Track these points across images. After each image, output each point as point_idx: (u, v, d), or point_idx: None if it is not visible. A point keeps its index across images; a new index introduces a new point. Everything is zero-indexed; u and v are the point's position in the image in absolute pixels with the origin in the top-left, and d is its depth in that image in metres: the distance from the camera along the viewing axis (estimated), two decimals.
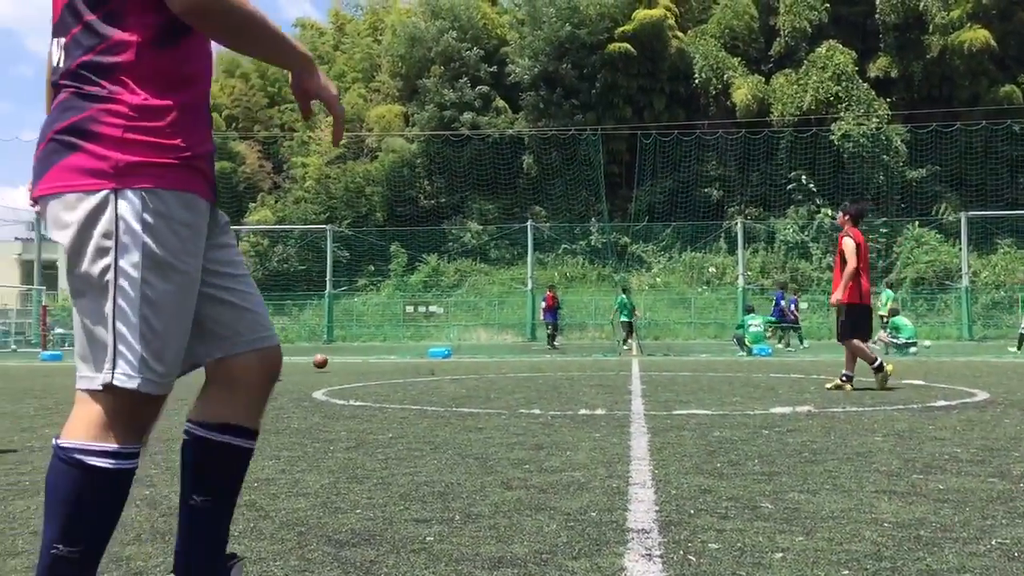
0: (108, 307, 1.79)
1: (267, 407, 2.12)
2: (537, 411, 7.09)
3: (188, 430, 2.04)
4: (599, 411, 7.00)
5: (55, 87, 1.87)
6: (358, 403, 8.02)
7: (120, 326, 1.79)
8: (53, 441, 1.83)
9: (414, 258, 41.59)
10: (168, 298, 1.82)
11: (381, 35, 49.79)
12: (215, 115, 46.54)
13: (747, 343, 19.18)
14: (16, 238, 43.42)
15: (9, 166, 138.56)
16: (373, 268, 41.73)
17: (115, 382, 1.79)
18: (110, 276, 1.79)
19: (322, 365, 14.25)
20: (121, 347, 1.80)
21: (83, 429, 1.80)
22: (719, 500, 3.49)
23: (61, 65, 1.85)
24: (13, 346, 32.38)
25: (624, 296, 23.81)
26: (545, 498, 3.55)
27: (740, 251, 34.97)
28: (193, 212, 1.86)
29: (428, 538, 2.91)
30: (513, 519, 3.17)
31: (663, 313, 36.32)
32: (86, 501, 1.78)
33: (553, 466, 4.33)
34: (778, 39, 42.23)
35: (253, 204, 44.91)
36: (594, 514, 3.24)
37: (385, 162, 43.70)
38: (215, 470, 2.04)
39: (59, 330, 35.69)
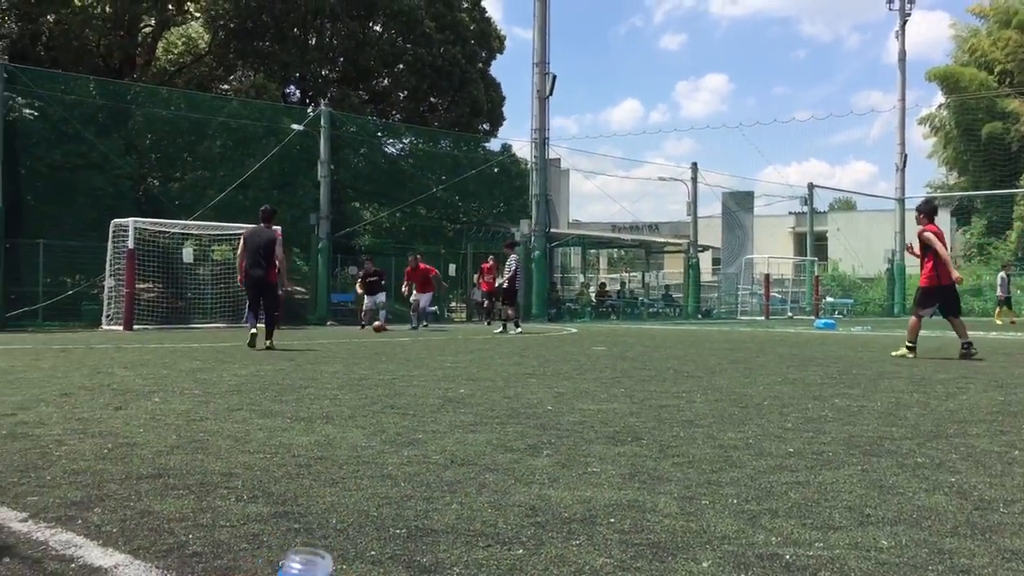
0: None
1: None
2: None
3: None
4: None
5: None
6: None
7: None
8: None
9: None
10: None
11: None
12: (983, 73, 43.17)
13: None
14: (789, 212, 46.63)
15: (783, 145, 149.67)
16: None
17: None
18: None
19: (378, 331, 16.94)
20: None
21: None
22: None
23: None
24: (789, 313, 34.86)
25: None
26: None
27: None
28: None
29: None
30: None
31: None
32: None
33: None
34: None
35: None
36: None
37: None
38: None
39: (830, 299, 37.36)
